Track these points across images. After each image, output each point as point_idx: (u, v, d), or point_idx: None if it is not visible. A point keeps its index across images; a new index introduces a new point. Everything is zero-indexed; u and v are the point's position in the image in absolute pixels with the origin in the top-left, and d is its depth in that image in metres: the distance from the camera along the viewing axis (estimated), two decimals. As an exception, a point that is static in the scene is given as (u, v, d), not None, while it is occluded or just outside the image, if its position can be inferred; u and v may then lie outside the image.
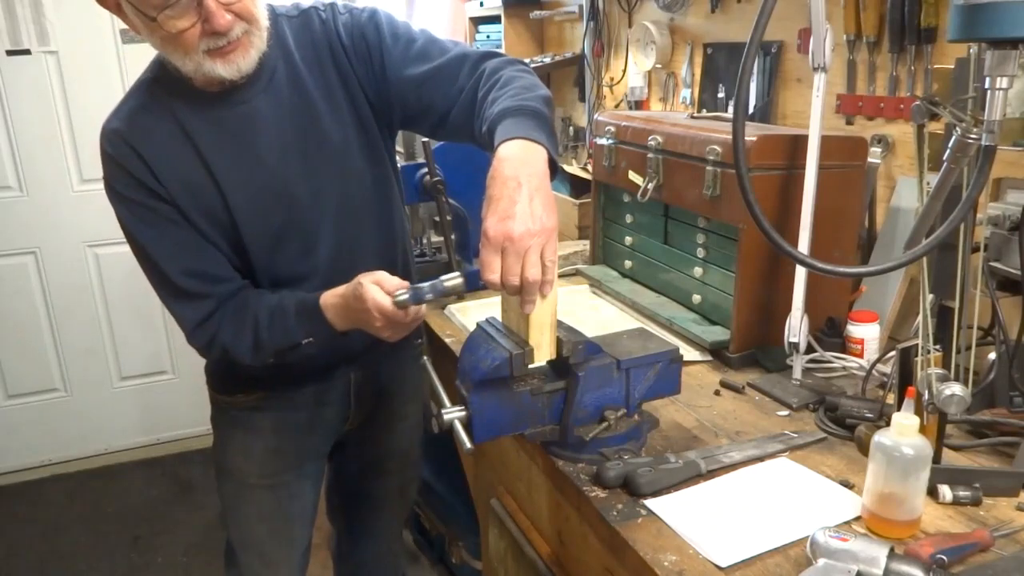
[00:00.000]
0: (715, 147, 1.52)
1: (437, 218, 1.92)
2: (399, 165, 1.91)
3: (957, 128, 0.95)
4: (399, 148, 2.25)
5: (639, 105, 2.52)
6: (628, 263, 1.94)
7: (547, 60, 2.90)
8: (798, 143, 1.45)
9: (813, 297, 1.44)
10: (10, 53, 2.89)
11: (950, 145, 0.97)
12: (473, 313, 1.83)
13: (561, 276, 1.98)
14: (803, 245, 1.40)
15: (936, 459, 1.09)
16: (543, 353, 1.13)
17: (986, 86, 0.90)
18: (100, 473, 3.33)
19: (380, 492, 1.72)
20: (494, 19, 3.18)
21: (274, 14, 1.31)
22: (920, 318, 1.14)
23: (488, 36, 3.30)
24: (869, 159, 1.61)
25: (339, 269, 1.32)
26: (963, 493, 1.07)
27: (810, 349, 1.47)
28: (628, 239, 1.93)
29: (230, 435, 1.53)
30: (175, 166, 1.26)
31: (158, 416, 3.42)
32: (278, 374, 1.42)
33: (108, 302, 3.25)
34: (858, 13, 1.66)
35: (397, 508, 1.80)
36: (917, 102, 1.07)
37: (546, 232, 1.04)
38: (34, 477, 3.29)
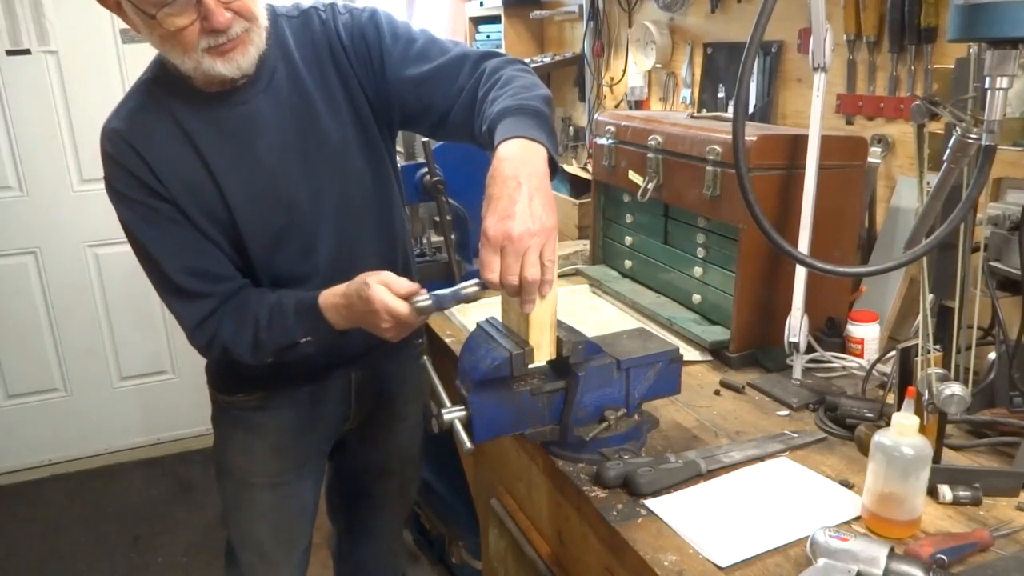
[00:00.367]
0: (715, 147, 1.52)
1: (437, 218, 1.92)
2: (399, 165, 1.91)
3: (957, 128, 0.95)
4: (399, 148, 2.25)
5: (639, 105, 2.52)
6: (628, 263, 1.94)
7: (547, 60, 2.90)
8: (798, 143, 1.45)
9: (813, 297, 1.44)
10: (10, 53, 2.89)
11: (950, 145, 0.97)
12: (473, 313, 1.82)
13: (561, 276, 1.98)
14: (803, 245, 1.40)
15: (936, 459, 1.09)
16: (543, 353, 1.13)
17: (986, 86, 0.90)
18: (100, 473, 3.33)
19: (380, 492, 1.73)
20: (494, 19, 3.18)
21: (274, 14, 1.31)
22: (920, 318, 1.14)
23: (488, 36, 3.30)
24: (869, 159, 1.61)
25: (339, 269, 1.32)
26: (963, 493, 1.07)
27: (810, 349, 1.47)
28: (628, 239, 1.93)
29: (231, 435, 1.53)
30: (175, 166, 1.26)
31: (158, 416, 3.42)
32: (279, 374, 1.42)
33: (108, 302, 3.25)
34: (858, 13, 1.66)
35: (397, 508, 1.80)
36: (917, 102, 1.07)
37: (545, 232, 1.04)
38: (34, 477, 3.29)
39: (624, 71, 2.53)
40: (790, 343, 1.43)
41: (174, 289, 1.30)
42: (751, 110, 1.98)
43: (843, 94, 1.75)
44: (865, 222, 1.67)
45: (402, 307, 1.18)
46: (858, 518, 1.05)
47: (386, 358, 1.56)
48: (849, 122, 1.76)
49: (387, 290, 1.19)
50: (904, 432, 0.99)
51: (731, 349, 1.54)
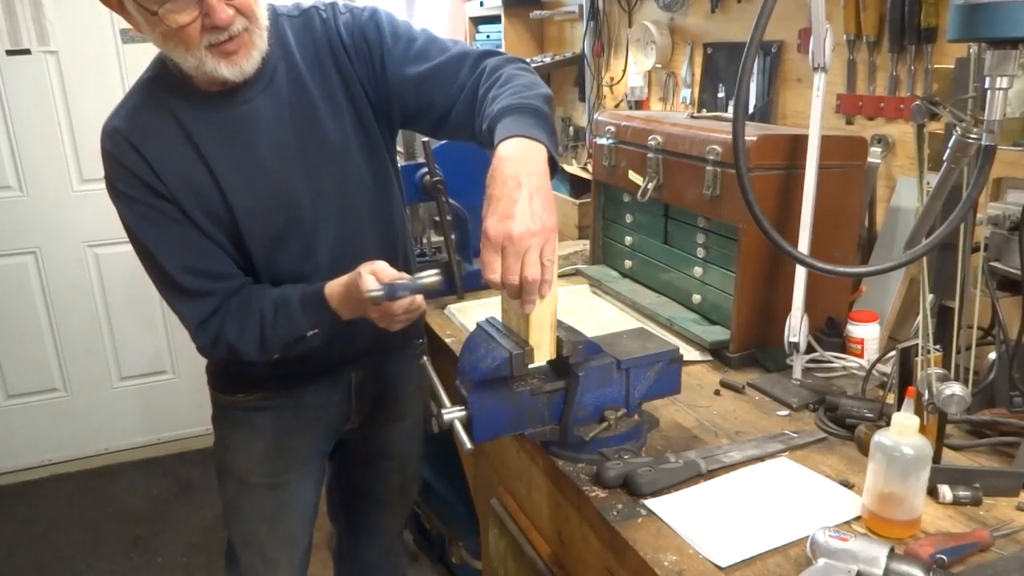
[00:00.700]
0: (715, 147, 1.52)
1: (437, 218, 1.92)
2: (399, 165, 1.91)
3: (957, 128, 0.95)
4: (399, 148, 2.25)
5: (639, 105, 2.52)
6: (628, 263, 1.94)
7: (547, 60, 2.90)
8: (798, 143, 1.45)
9: (813, 297, 1.44)
10: (10, 53, 2.89)
11: (950, 145, 0.97)
12: (473, 313, 1.83)
13: (561, 276, 1.98)
14: (803, 245, 1.40)
15: (936, 459, 1.09)
16: (543, 353, 1.13)
17: (986, 86, 0.90)
18: (100, 473, 3.33)
19: (381, 491, 1.73)
20: (494, 19, 3.18)
21: (275, 14, 1.31)
22: (920, 318, 1.14)
23: (488, 36, 3.30)
24: (869, 159, 1.61)
25: (340, 269, 1.32)
26: (963, 493, 1.07)
27: (810, 349, 1.47)
28: (628, 239, 1.93)
29: (231, 435, 1.53)
30: (176, 165, 1.26)
31: (158, 416, 3.42)
32: (279, 374, 1.43)
33: (108, 302, 3.25)
34: (858, 13, 1.66)
35: (398, 507, 1.80)
36: (917, 102, 1.07)
37: (546, 232, 1.04)
38: (34, 477, 3.29)
39: (624, 71, 2.53)
40: (790, 343, 1.43)
41: (176, 288, 1.30)
42: (751, 110, 1.98)
43: (843, 94, 1.75)
44: (865, 222, 1.67)
45: (373, 292, 1.20)
46: (858, 518, 1.05)
47: (386, 358, 1.56)
48: (849, 122, 1.76)
49: (374, 279, 1.21)
50: (904, 432, 0.99)
51: (731, 349, 1.54)
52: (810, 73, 1.44)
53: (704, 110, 2.18)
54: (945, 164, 0.99)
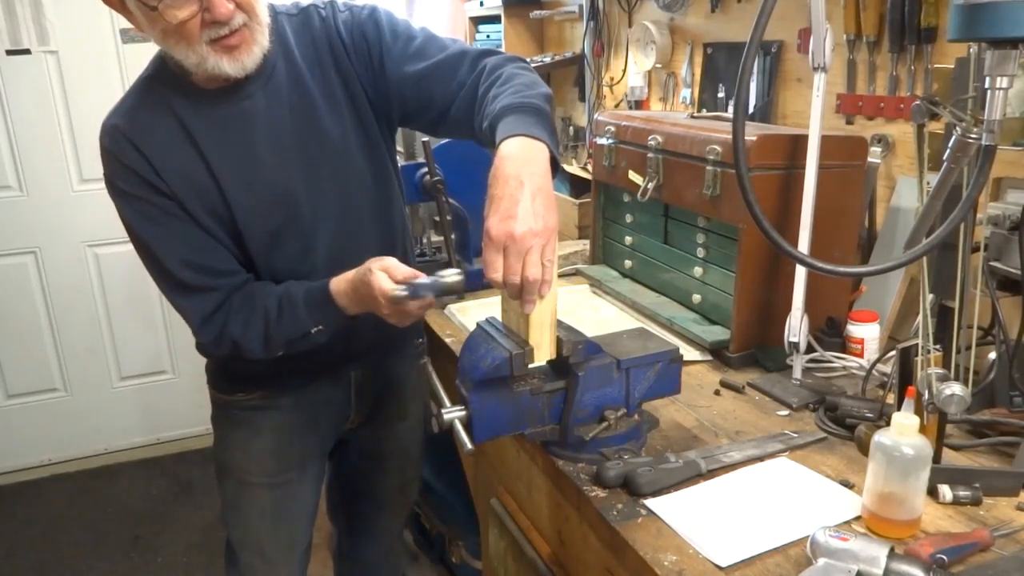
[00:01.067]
0: (715, 147, 1.52)
1: (437, 218, 1.92)
2: (399, 165, 1.91)
3: (957, 128, 0.95)
4: (399, 148, 2.25)
5: (639, 105, 2.52)
6: (628, 263, 1.94)
7: (547, 60, 2.90)
8: (798, 143, 1.45)
9: (813, 297, 1.44)
10: (10, 53, 2.89)
11: (950, 145, 0.97)
12: (473, 313, 1.83)
13: (561, 276, 1.98)
14: (803, 245, 1.40)
15: (936, 459, 1.09)
16: (543, 353, 1.13)
17: (986, 86, 0.90)
18: (100, 473, 3.33)
19: (381, 491, 1.72)
20: (494, 19, 3.18)
21: (274, 12, 1.31)
22: (920, 318, 1.14)
23: (488, 36, 3.30)
24: (869, 159, 1.61)
25: (338, 269, 1.32)
26: (963, 493, 1.07)
27: (810, 349, 1.47)
28: (628, 239, 1.93)
29: (230, 434, 1.52)
30: (176, 162, 1.26)
31: (158, 416, 3.42)
32: (278, 372, 1.43)
33: (108, 302, 3.25)
34: (858, 13, 1.66)
35: (398, 507, 1.80)
36: (917, 102, 1.07)
37: (547, 232, 1.04)
38: (34, 477, 3.29)
39: (624, 71, 2.53)
40: (790, 343, 1.43)
41: (177, 285, 1.30)
42: (751, 110, 1.98)
43: (843, 94, 1.75)
44: (865, 222, 1.67)
45: (392, 291, 1.20)
46: (858, 518, 1.05)
47: (387, 358, 1.56)
48: (849, 122, 1.76)
49: (387, 276, 1.21)
50: (904, 432, 0.99)
51: (731, 349, 1.54)
52: (810, 73, 1.44)
53: (704, 110, 2.18)
54: (945, 164, 0.99)
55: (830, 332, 1.53)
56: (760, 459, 1.20)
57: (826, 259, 1.07)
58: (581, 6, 2.72)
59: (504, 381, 1.13)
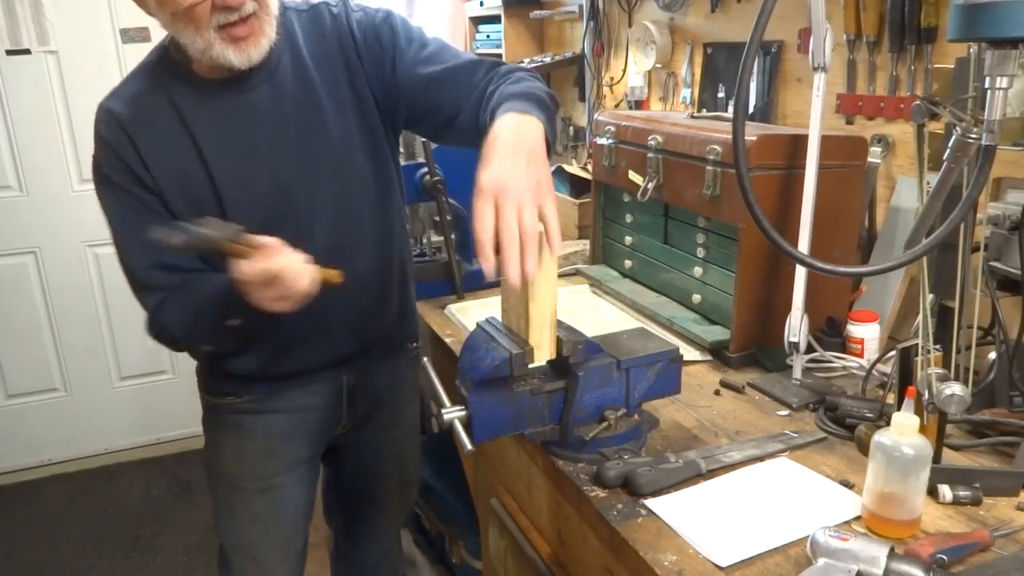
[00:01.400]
0: (715, 147, 1.52)
1: (437, 218, 1.92)
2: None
3: (957, 128, 0.95)
4: (399, 148, 2.24)
5: (639, 105, 2.52)
6: (628, 263, 1.94)
7: (547, 60, 2.90)
8: (798, 143, 1.45)
9: (813, 297, 1.44)
10: (10, 53, 2.89)
11: (950, 145, 0.97)
12: (473, 313, 1.83)
13: (561, 276, 1.98)
14: (803, 245, 1.40)
15: (936, 459, 1.09)
16: (543, 353, 1.13)
17: (986, 86, 0.90)
18: (100, 473, 3.33)
19: (379, 493, 1.72)
20: (494, 19, 3.18)
21: (283, 6, 1.31)
22: (920, 318, 1.14)
23: (488, 36, 3.30)
24: (869, 159, 1.61)
25: (332, 267, 1.30)
26: (963, 493, 1.07)
27: (810, 349, 1.47)
28: (628, 239, 1.93)
29: (221, 438, 1.51)
30: (168, 153, 1.25)
31: (158, 416, 3.42)
32: (268, 376, 1.42)
33: (108, 302, 3.25)
34: (858, 13, 1.66)
35: (397, 509, 1.80)
36: (917, 102, 1.07)
37: (542, 187, 0.99)
38: (34, 477, 3.29)
39: (624, 71, 2.53)
40: (790, 343, 1.43)
41: (141, 280, 1.30)
42: (751, 110, 1.98)
43: (843, 94, 1.75)
44: (865, 222, 1.67)
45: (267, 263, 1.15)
46: (858, 518, 1.05)
47: (380, 362, 1.55)
48: (849, 122, 1.76)
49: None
50: (904, 432, 0.99)
51: (731, 349, 1.54)
52: (810, 73, 1.44)
53: (704, 110, 2.18)
54: (945, 164, 0.99)
55: (830, 332, 1.53)
56: (760, 459, 1.20)
57: (826, 259, 1.07)
58: (581, 6, 2.72)
59: (504, 381, 1.13)
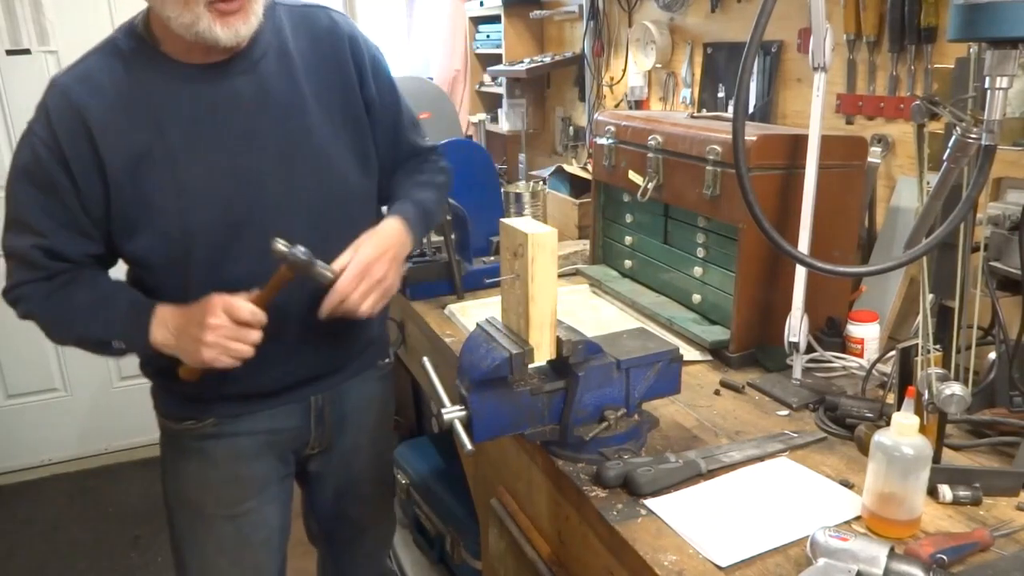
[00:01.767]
0: (715, 147, 1.52)
1: (437, 218, 1.92)
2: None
3: (957, 128, 0.95)
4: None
5: (639, 105, 2.52)
6: (628, 263, 1.94)
7: (547, 60, 2.90)
8: (798, 143, 1.45)
9: (813, 297, 1.44)
10: (10, 53, 2.90)
11: (950, 145, 0.97)
12: (473, 313, 1.83)
13: (561, 276, 1.98)
14: (803, 245, 1.40)
15: (936, 459, 1.09)
16: (543, 353, 1.13)
17: (986, 86, 0.90)
18: (100, 473, 3.33)
19: (359, 516, 1.65)
20: (494, 19, 3.18)
21: (272, 1, 1.28)
22: (920, 318, 1.14)
23: (488, 36, 3.30)
24: (869, 159, 1.61)
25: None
26: (963, 493, 1.07)
27: (810, 349, 1.47)
28: (628, 239, 1.93)
29: (183, 465, 1.42)
30: (127, 137, 1.18)
31: (158, 416, 3.41)
32: (230, 396, 1.35)
33: (108, 302, 3.25)
34: (858, 13, 1.66)
35: (381, 531, 1.75)
36: (917, 102, 1.07)
37: (390, 286, 1.30)
38: (34, 477, 3.29)
39: (624, 71, 2.53)
40: (790, 343, 1.43)
41: (21, 252, 1.23)
42: (751, 110, 1.98)
43: (843, 94, 1.75)
44: (865, 222, 1.67)
45: (239, 302, 1.18)
46: (858, 518, 1.05)
47: (348, 381, 1.49)
48: (849, 122, 1.76)
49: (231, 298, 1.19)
50: (904, 432, 0.99)
51: (731, 349, 1.54)
52: (810, 73, 1.44)
53: (704, 110, 2.18)
54: (945, 164, 0.99)
55: (830, 332, 1.53)
56: (760, 459, 1.20)
57: (826, 259, 1.07)
58: (581, 6, 2.72)
59: (504, 381, 1.13)
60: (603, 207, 2.02)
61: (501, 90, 3.22)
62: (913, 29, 1.54)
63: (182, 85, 1.20)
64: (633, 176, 1.75)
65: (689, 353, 1.57)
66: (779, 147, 1.46)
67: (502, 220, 1.16)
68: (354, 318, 1.26)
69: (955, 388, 1.06)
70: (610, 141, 1.85)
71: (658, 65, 2.35)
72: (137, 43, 1.21)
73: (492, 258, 2.07)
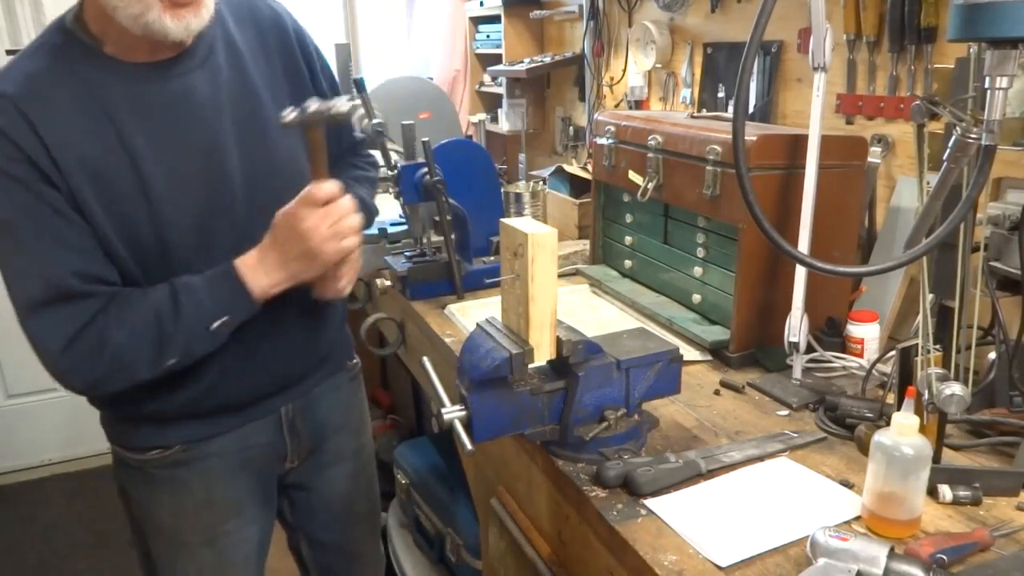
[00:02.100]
0: (715, 147, 1.52)
1: (437, 218, 1.92)
2: (399, 165, 1.90)
3: (957, 128, 0.95)
4: (399, 148, 2.24)
5: (639, 105, 2.52)
6: (628, 263, 1.94)
7: (547, 60, 2.91)
8: (798, 143, 1.45)
9: (813, 297, 1.44)
10: (10, 53, 2.89)
11: (950, 145, 0.97)
12: (473, 313, 1.83)
13: (561, 276, 1.98)
14: (803, 245, 1.40)
15: (936, 459, 1.09)
16: (543, 353, 1.13)
17: (986, 86, 0.90)
18: (100, 473, 3.33)
19: (352, 541, 1.61)
20: (494, 19, 3.19)
21: None
22: (920, 318, 1.14)
23: (488, 36, 3.31)
24: (869, 159, 1.61)
25: None
26: (963, 493, 1.07)
27: (810, 349, 1.47)
28: (628, 239, 1.93)
29: (152, 495, 1.33)
30: (83, 145, 1.07)
31: (158, 416, 3.41)
32: (196, 414, 1.27)
33: (108, 302, 3.25)
34: (858, 13, 1.66)
35: (374, 557, 1.70)
36: (917, 102, 1.07)
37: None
38: (34, 477, 3.30)
39: (624, 71, 2.54)
40: (790, 343, 1.43)
41: (59, 290, 1.08)
42: (751, 110, 1.98)
43: (843, 94, 1.75)
44: (865, 222, 1.67)
45: (310, 189, 1.14)
46: (858, 518, 1.05)
47: (318, 386, 1.45)
48: (849, 122, 1.76)
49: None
50: (904, 432, 0.99)
51: (731, 349, 1.54)
52: (810, 73, 1.44)
53: (704, 110, 2.18)
54: (945, 164, 0.99)
55: (830, 332, 1.53)
56: (760, 459, 1.20)
57: (826, 259, 1.07)
58: (581, 6, 2.72)
59: (504, 381, 1.13)
60: (603, 207, 2.02)
61: (501, 90, 3.22)
62: (913, 29, 1.54)
63: (135, 86, 1.11)
64: (633, 176, 1.75)
65: (689, 353, 1.57)
66: (779, 147, 1.46)
67: (502, 220, 1.16)
68: (337, 298, 1.25)
69: (955, 388, 1.06)
70: (610, 141, 1.85)
71: (658, 65, 2.35)
72: (78, 45, 1.10)
73: (492, 258, 2.07)
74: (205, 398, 1.26)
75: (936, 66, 1.53)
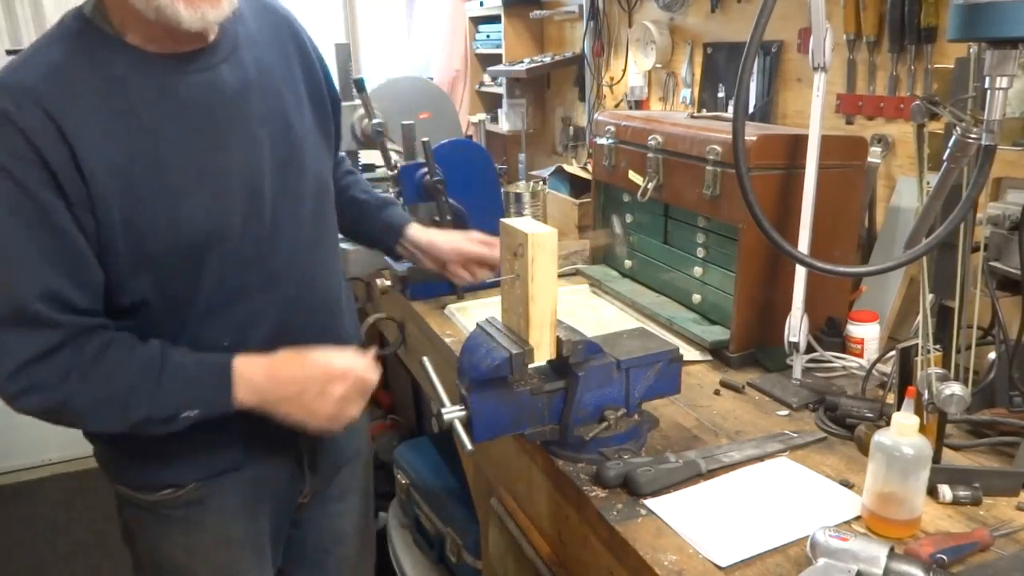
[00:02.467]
0: (715, 147, 1.52)
1: (437, 218, 1.92)
2: (399, 165, 1.91)
3: (957, 128, 0.95)
4: (398, 148, 2.24)
5: (639, 105, 2.52)
6: (628, 263, 1.94)
7: (547, 60, 2.91)
8: (798, 143, 1.45)
9: (813, 297, 1.44)
10: (10, 53, 2.89)
11: (950, 145, 0.97)
12: (473, 313, 1.83)
13: (561, 276, 1.98)
14: (803, 245, 1.40)
15: (936, 459, 1.09)
16: (543, 353, 1.13)
17: (986, 86, 0.90)
18: (100, 473, 3.31)
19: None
20: (494, 19, 3.19)
21: None
22: (920, 318, 1.14)
23: (488, 36, 3.31)
24: (869, 159, 1.61)
25: (298, 280, 1.19)
26: (963, 493, 1.07)
27: (810, 349, 1.47)
28: (628, 239, 1.93)
29: (165, 535, 1.25)
30: (109, 141, 1.00)
31: (158, 416, 3.41)
32: (208, 449, 1.18)
33: (108, 302, 3.24)
34: (858, 13, 1.66)
35: None
36: (917, 102, 1.07)
37: None
38: (34, 477, 3.30)
39: (624, 71, 2.54)
40: (790, 343, 1.43)
41: (16, 312, 0.98)
42: (751, 110, 1.98)
43: (843, 94, 1.75)
44: (865, 222, 1.67)
45: (360, 364, 1.13)
46: (858, 518, 1.05)
47: None
48: (849, 122, 1.76)
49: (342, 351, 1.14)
50: (904, 432, 0.99)
51: (731, 349, 1.54)
52: (810, 73, 1.44)
53: (704, 110, 2.18)
54: (945, 164, 0.99)
55: (830, 332, 1.53)
56: (760, 459, 1.20)
57: (826, 259, 1.07)
58: (581, 6, 2.72)
59: (504, 381, 1.13)
60: (603, 207, 2.02)
61: (501, 90, 3.22)
62: (913, 29, 1.55)
63: (159, 78, 1.04)
64: (633, 176, 1.75)
65: (689, 353, 1.57)
66: (779, 147, 1.46)
67: (502, 220, 1.16)
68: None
69: (955, 388, 1.06)
70: (610, 141, 1.85)
71: (658, 65, 2.35)
72: (98, 34, 1.02)
73: (492, 258, 2.06)
74: (223, 434, 1.17)
75: (936, 66, 1.53)
